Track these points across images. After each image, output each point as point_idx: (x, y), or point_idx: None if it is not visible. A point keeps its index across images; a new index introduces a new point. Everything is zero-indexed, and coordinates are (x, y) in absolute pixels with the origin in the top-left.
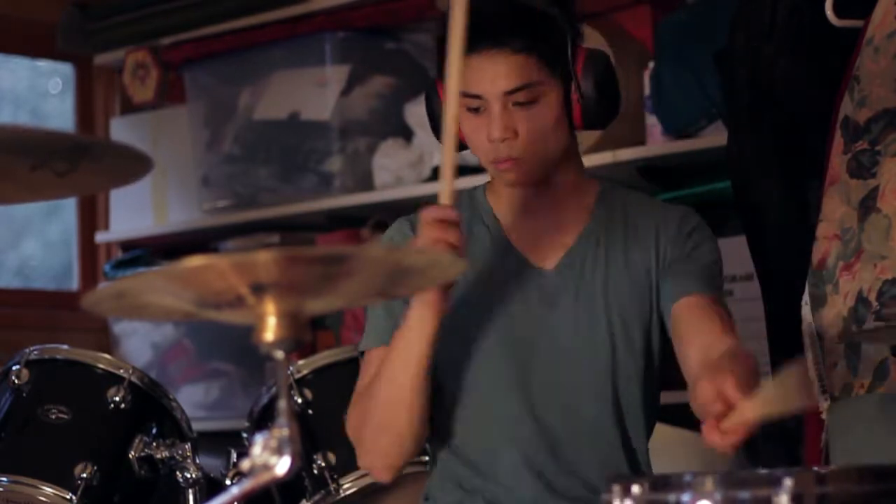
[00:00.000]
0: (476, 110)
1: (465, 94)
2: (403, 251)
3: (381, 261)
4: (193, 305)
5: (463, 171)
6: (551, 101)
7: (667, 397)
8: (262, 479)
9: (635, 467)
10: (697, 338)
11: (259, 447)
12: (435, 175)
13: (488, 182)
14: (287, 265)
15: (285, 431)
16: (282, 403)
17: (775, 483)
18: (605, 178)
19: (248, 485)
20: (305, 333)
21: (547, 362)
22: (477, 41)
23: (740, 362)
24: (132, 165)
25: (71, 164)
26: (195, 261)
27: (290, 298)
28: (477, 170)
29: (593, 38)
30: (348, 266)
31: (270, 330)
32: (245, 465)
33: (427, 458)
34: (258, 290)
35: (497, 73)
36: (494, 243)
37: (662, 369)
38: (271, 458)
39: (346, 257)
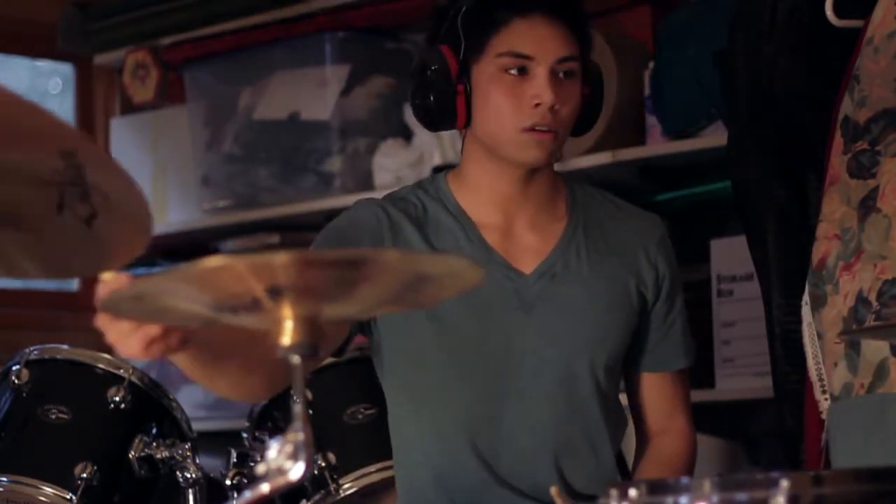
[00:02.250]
0: (521, 72)
1: (514, 54)
2: (422, 258)
3: (399, 267)
4: (210, 309)
5: None
6: (578, 85)
7: None
8: (277, 483)
9: (604, 471)
10: (656, 411)
11: (275, 451)
12: None
13: (449, 171)
14: (305, 268)
15: (300, 436)
16: (297, 408)
17: (772, 485)
18: (605, 181)
19: (262, 489)
20: (321, 338)
21: (522, 367)
22: (530, 6)
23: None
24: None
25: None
26: (212, 261)
27: (307, 302)
28: None
29: (593, 38)
30: (366, 270)
31: (287, 334)
32: (260, 468)
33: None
34: (275, 293)
35: (552, 37)
36: (469, 239)
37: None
38: (286, 463)
39: (365, 261)
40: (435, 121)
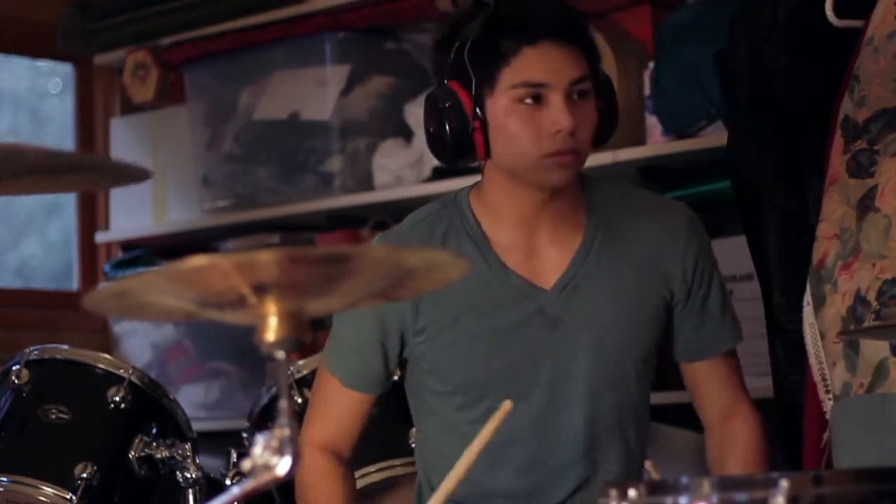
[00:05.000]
0: (536, 100)
1: (528, 84)
2: (405, 252)
3: (383, 261)
4: (195, 305)
5: (465, 171)
6: (593, 101)
7: (667, 397)
8: (263, 479)
9: (635, 477)
10: (717, 399)
11: (260, 447)
12: (435, 175)
13: (473, 188)
14: (289, 265)
15: (286, 431)
16: (283, 403)
17: (772, 485)
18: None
19: (248, 485)
20: (306, 334)
21: (553, 383)
22: (536, 34)
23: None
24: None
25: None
26: (197, 261)
27: (291, 299)
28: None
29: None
30: (350, 266)
31: (272, 330)
32: (246, 465)
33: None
34: (260, 290)
35: (563, 62)
36: (487, 263)
37: (660, 371)
38: (272, 459)
39: (349, 257)
40: (453, 157)
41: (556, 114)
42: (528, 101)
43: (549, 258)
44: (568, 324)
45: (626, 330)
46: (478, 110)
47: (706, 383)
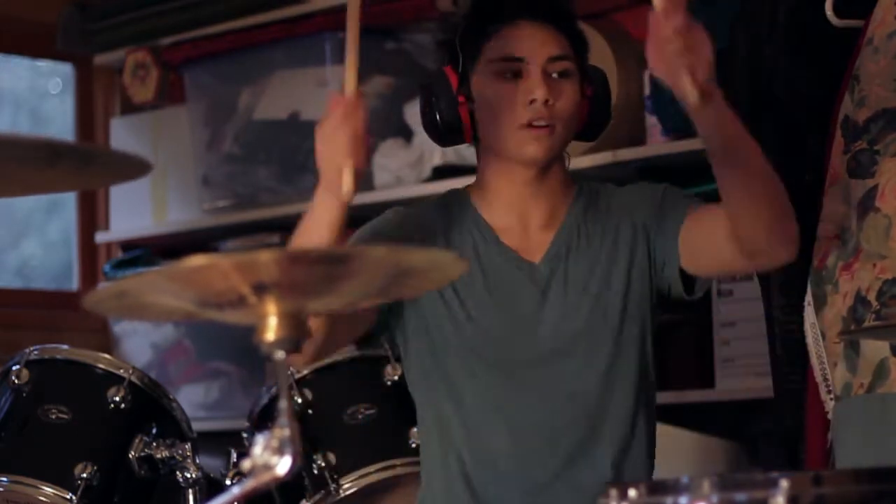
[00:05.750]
0: (515, 75)
1: (506, 58)
2: (405, 252)
3: (383, 261)
4: (195, 305)
5: (465, 171)
6: (576, 84)
7: (667, 397)
8: (263, 479)
9: (626, 450)
10: (709, 222)
11: (260, 447)
12: (435, 175)
13: (472, 186)
14: (289, 265)
15: (286, 431)
16: (282, 403)
17: (772, 485)
18: (605, 181)
19: (248, 485)
20: (306, 334)
21: (546, 346)
22: (517, 13)
23: None
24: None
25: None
26: (197, 260)
27: (291, 298)
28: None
29: (593, 38)
30: (350, 266)
31: (271, 330)
32: (246, 464)
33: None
34: (260, 289)
35: (542, 39)
36: (485, 239)
37: (660, 371)
38: (272, 458)
39: (349, 257)
40: (444, 135)
41: (531, 84)
42: (508, 75)
43: (540, 238)
44: (556, 290)
45: (615, 294)
46: (463, 88)
47: (699, 228)
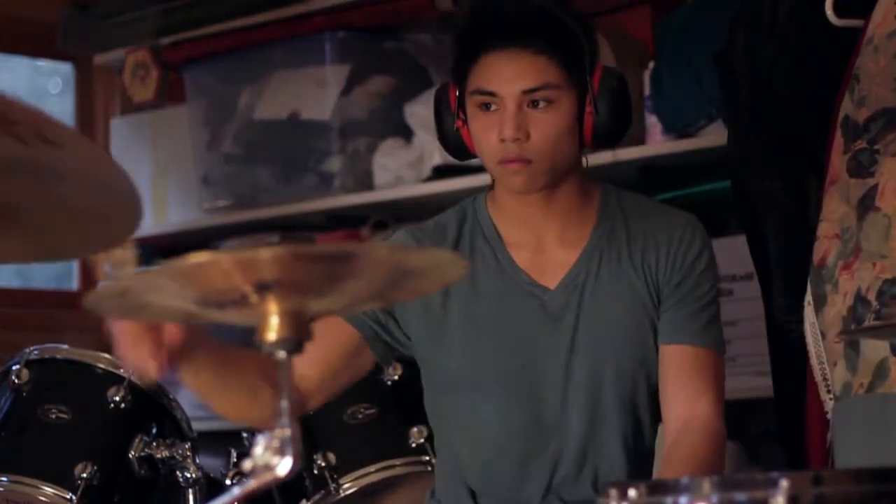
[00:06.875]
0: (488, 108)
1: (480, 92)
2: (406, 251)
3: (385, 261)
4: (196, 305)
5: (465, 171)
6: (565, 107)
7: None
8: (264, 479)
9: (641, 471)
10: (678, 393)
11: (261, 447)
12: (435, 175)
13: (489, 190)
14: (291, 263)
15: (287, 431)
16: (283, 403)
17: (772, 485)
18: (605, 181)
19: (249, 485)
20: (308, 334)
21: (553, 379)
22: (496, 39)
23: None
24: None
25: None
26: (198, 257)
27: (293, 297)
28: (479, 169)
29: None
30: (352, 265)
31: (273, 330)
32: (247, 465)
33: (427, 458)
34: (262, 288)
35: (516, 72)
36: (497, 261)
37: None
38: (273, 459)
39: (351, 256)
40: (454, 152)
41: (500, 123)
42: (484, 108)
43: (557, 258)
44: (568, 322)
45: (624, 329)
46: (461, 108)
47: (671, 373)
